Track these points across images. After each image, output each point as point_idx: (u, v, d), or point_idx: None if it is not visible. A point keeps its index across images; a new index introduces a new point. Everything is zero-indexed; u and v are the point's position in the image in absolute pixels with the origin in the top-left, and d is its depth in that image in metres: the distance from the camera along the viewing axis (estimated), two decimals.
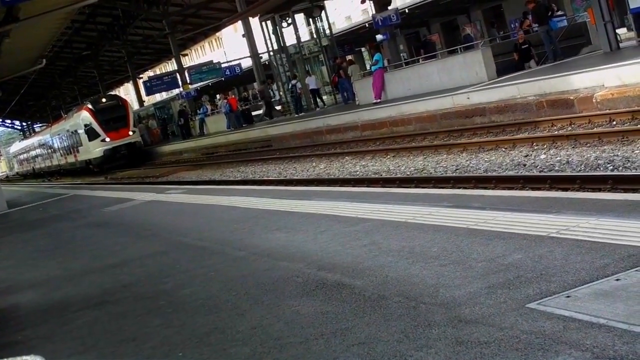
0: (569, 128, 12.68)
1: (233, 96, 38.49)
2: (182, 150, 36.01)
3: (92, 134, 39.06)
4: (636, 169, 9.03)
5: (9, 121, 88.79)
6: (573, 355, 3.09)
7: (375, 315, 4.16)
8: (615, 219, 4.99)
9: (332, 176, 15.28)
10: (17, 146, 74.12)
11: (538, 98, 14.60)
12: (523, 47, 19.89)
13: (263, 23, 30.74)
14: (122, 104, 40.43)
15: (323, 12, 30.65)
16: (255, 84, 42.06)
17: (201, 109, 38.85)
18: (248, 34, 32.75)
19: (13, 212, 20.32)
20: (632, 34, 19.47)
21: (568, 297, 3.77)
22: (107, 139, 38.62)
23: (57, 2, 18.15)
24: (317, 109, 29.63)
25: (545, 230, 5.10)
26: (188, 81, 37.42)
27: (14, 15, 16.99)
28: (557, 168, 10.26)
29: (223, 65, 37.12)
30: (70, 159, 44.22)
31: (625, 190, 7.71)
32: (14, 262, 10.65)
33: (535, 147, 11.96)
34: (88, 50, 48.92)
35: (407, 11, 28.00)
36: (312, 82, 30.16)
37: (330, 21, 33.24)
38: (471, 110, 16.45)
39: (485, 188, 9.52)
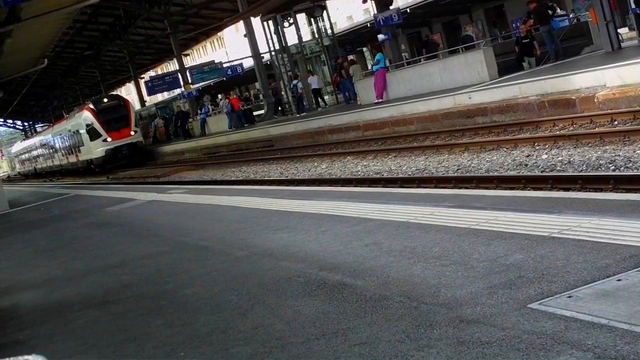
0: (571, 128, 12.67)
1: (234, 96, 38.49)
2: (183, 150, 36.02)
3: (93, 134, 39.06)
4: (638, 169, 9.02)
5: (10, 121, 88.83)
6: (575, 355, 3.08)
7: (377, 316, 4.16)
8: (617, 219, 4.98)
9: (334, 176, 15.27)
10: (18, 146, 74.14)
11: (540, 98, 14.59)
12: (524, 41, 19.80)
13: (265, 23, 30.74)
14: (123, 104, 40.42)
15: (325, 11, 30.65)
16: (257, 83, 42.10)
17: (202, 108, 38.86)
18: (250, 34, 32.73)
19: (14, 212, 20.34)
20: (634, 33, 19.47)
21: (570, 297, 3.77)
22: (109, 139, 38.62)
23: (58, 2, 18.17)
24: (319, 108, 29.63)
25: (546, 230, 5.10)
26: (190, 81, 37.41)
27: (16, 15, 17.02)
28: (558, 168, 10.25)
29: (224, 65, 37.11)
30: (72, 158, 44.23)
31: (627, 191, 7.70)
32: (15, 262, 10.66)
33: (537, 147, 11.95)
34: (90, 50, 48.93)
35: (408, 11, 28.01)
36: (314, 81, 30.16)
37: (332, 21, 33.27)
38: (473, 110, 16.44)
39: (487, 188, 9.51)
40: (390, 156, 15.66)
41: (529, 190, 8.67)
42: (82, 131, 40.00)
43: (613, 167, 9.40)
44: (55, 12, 18.63)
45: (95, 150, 39.15)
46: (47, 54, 30.69)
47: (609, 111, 12.43)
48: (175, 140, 40.61)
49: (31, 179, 60.10)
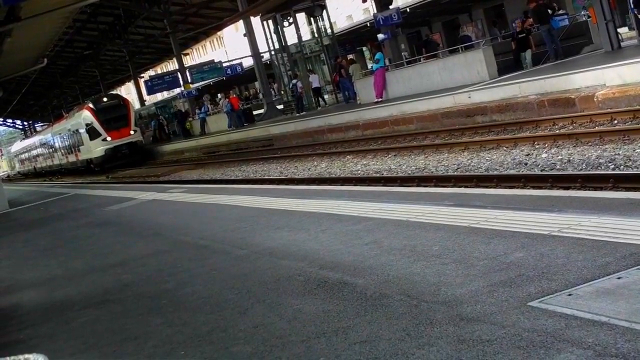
0: (570, 127, 12.67)
1: (234, 95, 38.49)
2: (183, 150, 36.02)
3: (93, 133, 39.07)
4: (637, 168, 9.03)
5: (10, 120, 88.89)
6: (575, 353, 3.09)
7: (377, 314, 4.16)
8: (617, 218, 4.99)
9: (334, 175, 15.28)
10: (18, 145, 74.14)
11: (539, 97, 14.59)
12: (520, 35, 19.79)
13: (264, 22, 30.74)
14: (123, 103, 40.44)
15: (324, 11, 30.64)
16: (256, 83, 42.08)
17: (202, 108, 38.86)
18: (249, 33, 32.73)
19: (14, 212, 20.33)
20: (634, 32, 19.47)
21: (570, 295, 3.77)
22: (108, 138, 38.63)
23: (58, 1, 18.16)
24: (319, 108, 29.62)
25: (546, 228, 5.10)
26: (189, 80, 37.41)
27: (16, 14, 17.01)
28: (558, 167, 10.26)
29: (224, 65, 37.11)
30: (72, 158, 44.23)
31: (627, 189, 7.70)
32: (15, 262, 10.66)
33: (537, 146, 11.95)
34: (89, 49, 48.95)
35: (408, 10, 27.97)
36: (315, 80, 30.16)
37: (332, 20, 33.24)
38: (472, 109, 16.45)
39: (487, 187, 9.52)
40: (390, 155, 15.66)
41: (528, 189, 8.68)
42: (82, 130, 40.01)
43: (613, 166, 9.41)
44: (54, 11, 18.63)
45: (95, 149, 39.16)
46: (47, 53, 30.70)
47: (609, 110, 12.44)
48: (175, 139, 40.62)
49: (31, 178, 60.06)
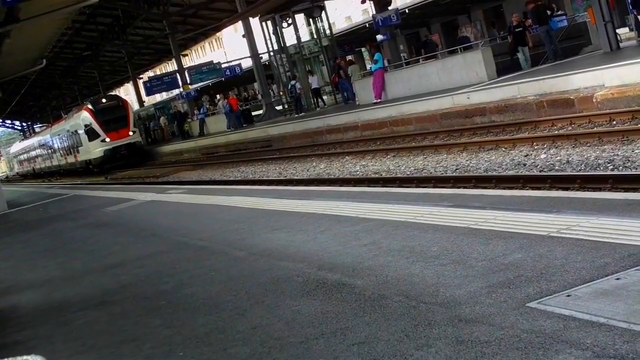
0: (569, 128, 12.68)
1: (233, 96, 38.49)
2: (182, 151, 36.02)
3: (92, 134, 39.05)
4: (636, 169, 9.03)
5: (9, 121, 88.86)
6: (573, 354, 3.08)
7: (376, 315, 4.16)
8: (616, 218, 4.99)
9: (332, 176, 15.28)
10: (17, 146, 74.11)
11: (538, 98, 14.60)
12: (517, 29, 19.69)
13: (263, 23, 30.73)
14: (122, 104, 40.43)
15: (323, 12, 30.63)
16: (255, 84, 42.05)
17: (201, 109, 38.86)
18: (248, 34, 32.72)
19: (13, 213, 20.32)
20: (633, 33, 19.47)
21: (568, 296, 3.77)
22: (107, 139, 38.62)
23: (57, 2, 18.14)
24: (318, 109, 29.61)
25: (545, 229, 5.10)
26: (188, 81, 37.41)
27: (15, 15, 16.99)
28: (557, 168, 10.26)
29: (223, 66, 37.09)
30: (71, 159, 44.22)
31: (626, 190, 7.71)
32: (13, 263, 10.66)
33: (536, 147, 11.96)
34: (88, 50, 48.91)
35: (407, 11, 27.96)
36: (314, 81, 30.16)
37: (331, 21, 33.20)
38: (471, 110, 16.45)
39: (486, 188, 9.52)
40: (388, 156, 15.66)
41: (527, 189, 8.67)
42: (81, 131, 40.00)
43: (611, 167, 9.41)
44: (54, 12, 18.60)
45: (94, 150, 39.14)
46: (46, 54, 30.65)
47: (608, 111, 12.44)
48: (174, 140, 40.62)
49: (30, 179, 60.05)
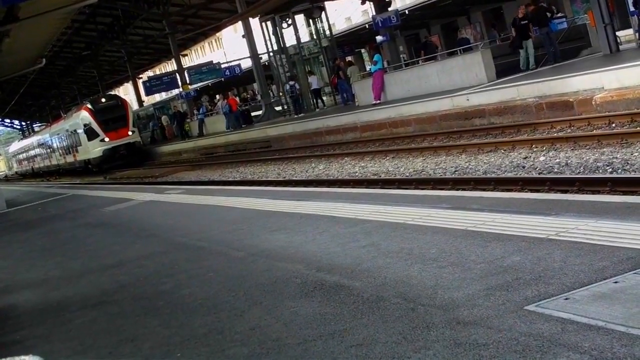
0: (568, 130, 12.68)
1: (233, 97, 38.48)
2: (181, 151, 36.01)
3: (91, 134, 39.03)
4: (635, 172, 9.03)
5: (8, 121, 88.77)
6: (571, 357, 3.09)
7: (374, 317, 4.16)
8: (614, 222, 4.99)
9: (331, 177, 15.27)
10: (16, 146, 74.08)
11: (537, 100, 14.60)
12: (522, 22, 19.52)
13: (263, 24, 30.73)
14: (121, 104, 40.41)
15: (323, 13, 30.64)
16: (255, 84, 42.05)
17: (200, 109, 38.86)
18: (248, 35, 32.73)
19: (12, 212, 20.31)
20: (633, 36, 19.49)
21: (566, 299, 3.77)
22: (107, 139, 38.61)
23: (57, 2, 18.14)
24: (317, 109, 29.62)
25: (544, 232, 5.10)
26: (188, 81, 37.41)
27: (14, 14, 16.99)
28: (556, 170, 10.26)
29: (223, 66, 37.09)
30: (70, 158, 44.20)
31: (624, 193, 7.70)
32: (12, 262, 10.65)
33: (535, 149, 11.96)
34: (88, 50, 48.91)
35: (407, 12, 27.99)
36: (314, 81, 30.17)
37: (330, 22, 33.23)
38: (470, 112, 16.46)
39: (484, 190, 9.51)
40: (387, 157, 15.66)
41: (526, 192, 8.67)
42: (80, 131, 39.98)
43: (610, 170, 9.41)
44: (53, 11, 18.60)
45: (93, 150, 39.12)
46: (45, 54, 30.64)
47: (607, 114, 12.45)
48: (173, 140, 40.61)
49: (29, 178, 60.01)
